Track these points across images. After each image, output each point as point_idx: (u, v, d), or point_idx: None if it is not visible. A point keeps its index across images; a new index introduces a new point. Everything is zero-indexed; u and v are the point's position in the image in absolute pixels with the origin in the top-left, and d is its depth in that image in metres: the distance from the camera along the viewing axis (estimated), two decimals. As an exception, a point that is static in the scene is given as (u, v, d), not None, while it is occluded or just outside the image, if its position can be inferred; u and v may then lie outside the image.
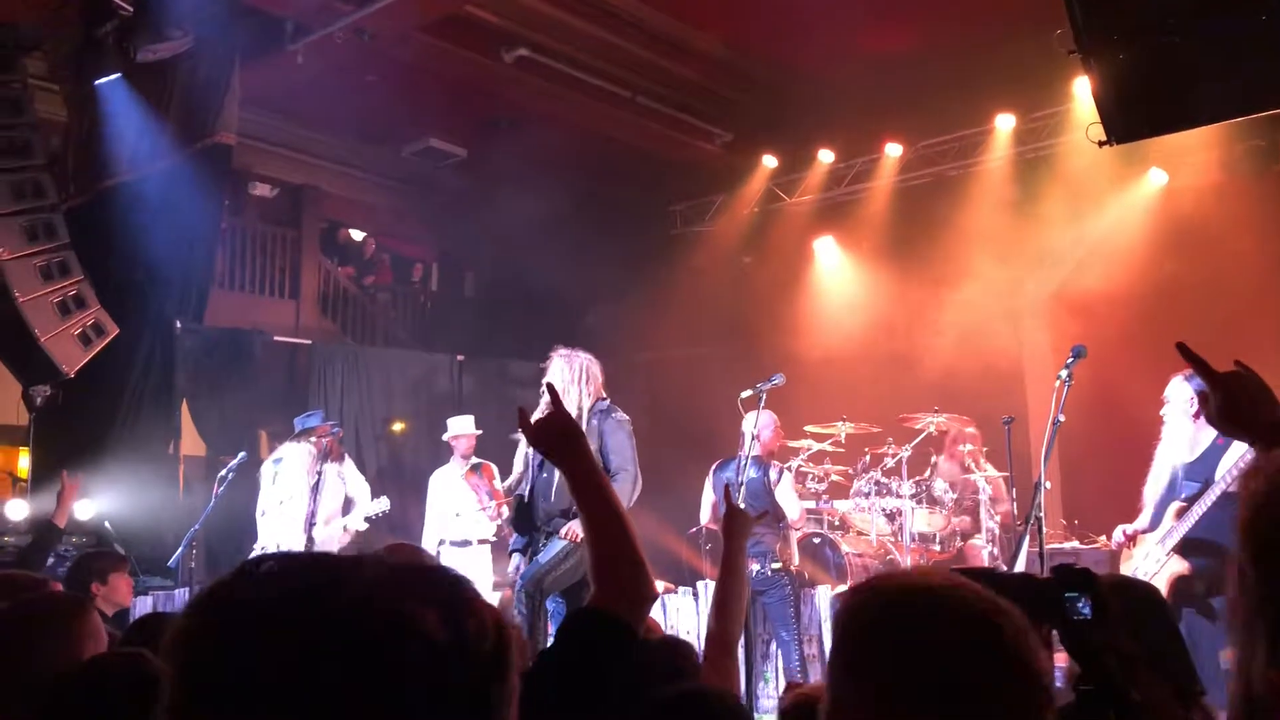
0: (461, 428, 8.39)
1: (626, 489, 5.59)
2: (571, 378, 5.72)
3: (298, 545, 7.19)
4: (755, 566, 6.46)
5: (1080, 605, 1.56)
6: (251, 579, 0.80)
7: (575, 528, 5.38)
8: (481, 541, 8.06)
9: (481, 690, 0.79)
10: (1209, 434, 4.91)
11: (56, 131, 8.82)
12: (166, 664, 0.79)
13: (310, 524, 7.25)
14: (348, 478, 7.87)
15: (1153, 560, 4.89)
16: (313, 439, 7.50)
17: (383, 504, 7.65)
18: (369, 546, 7.55)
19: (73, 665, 2.22)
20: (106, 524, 8.21)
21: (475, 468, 8.29)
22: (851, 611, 1.29)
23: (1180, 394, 5.07)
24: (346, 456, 8.05)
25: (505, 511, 8.12)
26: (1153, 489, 5.14)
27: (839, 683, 1.27)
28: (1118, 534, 5.28)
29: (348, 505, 7.78)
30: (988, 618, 1.24)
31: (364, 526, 7.69)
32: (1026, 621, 1.26)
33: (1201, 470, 4.93)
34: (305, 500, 7.34)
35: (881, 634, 1.25)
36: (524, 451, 5.92)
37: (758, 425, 6.29)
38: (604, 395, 5.85)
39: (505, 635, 0.83)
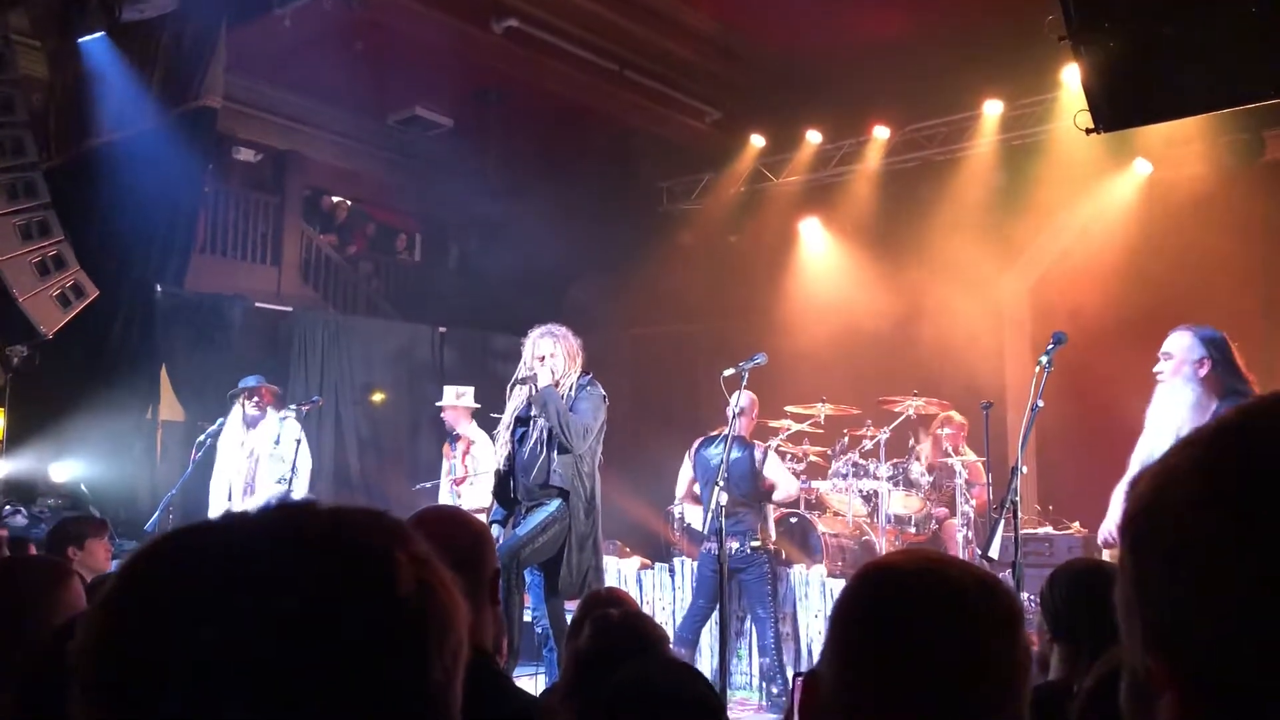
0: (445, 398, 8.40)
1: (578, 427, 5.56)
2: (561, 357, 5.73)
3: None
4: (734, 545, 6.49)
5: None
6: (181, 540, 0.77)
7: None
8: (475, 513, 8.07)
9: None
10: (1212, 399, 4.54)
11: (38, 89, 8.71)
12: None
13: (246, 492, 7.26)
14: (283, 441, 7.51)
15: None
16: (239, 401, 7.42)
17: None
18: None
19: (53, 630, 2.21)
20: (82, 486, 8.19)
21: (452, 440, 8.30)
22: (847, 600, 1.32)
23: (1187, 349, 4.63)
24: (285, 420, 7.57)
25: (465, 486, 8.16)
26: (1145, 463, 4.84)
27: (836, 669, 1.29)
28: (1105, 530, 4.87)
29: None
30: (973, 598, 1.26)
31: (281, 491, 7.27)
32: (1019, 602, 1.29)
33: None
34: (236, 467, 7.34)
35: (873, 618, 1.28)
36: (505, 425, 5.92)
37: (740, 404, 6.30)
38: (585, 370, 5.87)
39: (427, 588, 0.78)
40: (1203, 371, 4.54)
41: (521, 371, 5.77)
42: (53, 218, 7.81)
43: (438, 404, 8.50)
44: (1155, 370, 4.67)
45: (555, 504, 5.60)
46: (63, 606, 2.45)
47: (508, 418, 5.87)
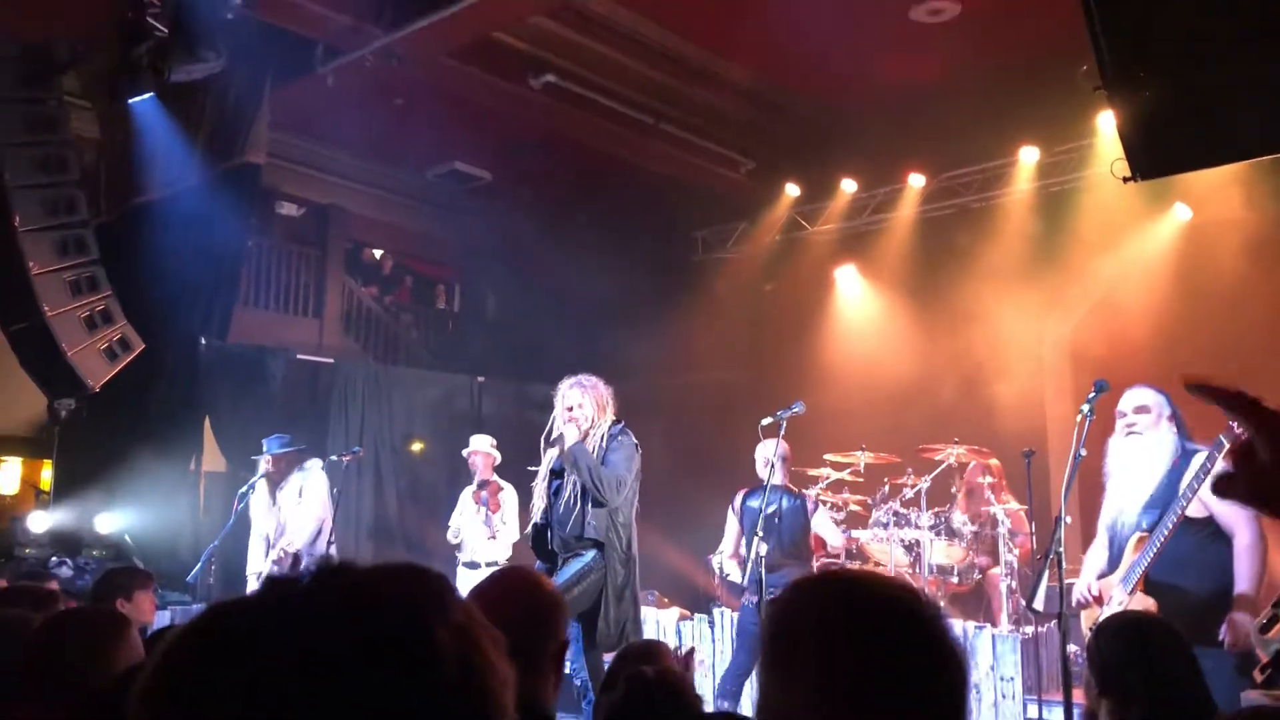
0: (475, 444, 8.44)
1: (610, 480, 5.55)
2: (590, 408, 5.76)
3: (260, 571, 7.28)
4: None
5: None
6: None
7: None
8: (490, 564, 8.05)
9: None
10: (1171, 452, 4.57)
11: (90, 149, 8.95)
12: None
13: (279, 546, 7.32)
14: (305, 494, 7.55)
15: (1115, 604, 4.41)
16: (264, 461, 7.50)
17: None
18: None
19: (115, 678, 2.24)
20: (126, 537, 8.28)
21: (482, 485, 8.31)
22: (776, 611, 1.36)
23: (1160, 403, 4.67)
24: (308, 476, 7.62)
25: (500, 532, 8.16)
26: (1116, 519, 4.73)
27: (770, 680, 1.32)
28: (1081, 589, 4.75)
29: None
30: (902, 602, 1.31)
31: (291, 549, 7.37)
32: (939, 606, 1.35)
33: (1164, 496, 4.51)
34: (265, 525, 7.43)
35: (805, 626, 1.31)
36: (541, 478, 5.94)
37: (776, 453, 6.29)
38: (618, 418, 5.88)
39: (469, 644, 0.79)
40: (1174, 427, 4.60)
41: (554, 425, 5.79)
42: (101, 273, 7.99)
43: (464, 451, 8.53)
44: (1129, 424, 4.66)
45: (591, 555, 5.59)
46: (123, 655, 2.49)
47: (543, 470, 5.88)
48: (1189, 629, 4.00)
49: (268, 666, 0.72)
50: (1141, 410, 4.66)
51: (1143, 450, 4.62)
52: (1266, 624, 3.43)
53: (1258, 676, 3.25)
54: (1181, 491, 4.31)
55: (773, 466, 6.24)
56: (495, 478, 8.40)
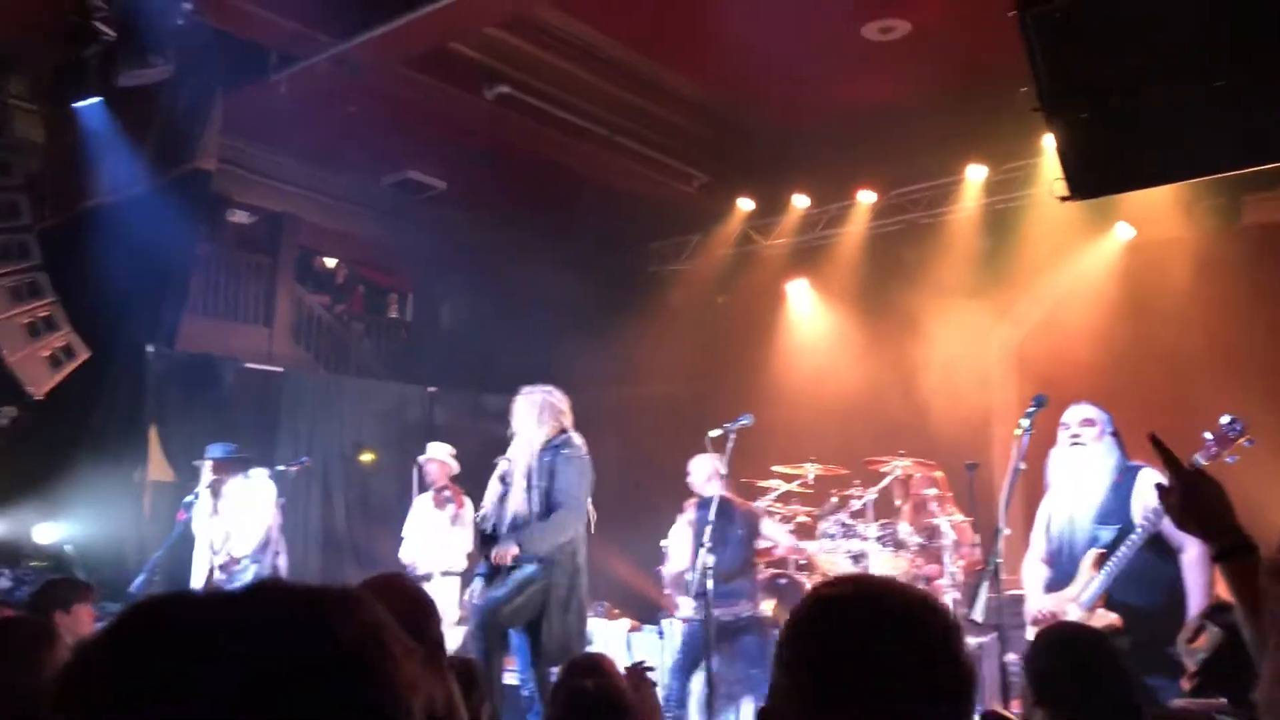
0: (433, 452, 8.39)
1: (564, 522, 5.62)
2: (528, 419, 5.79)
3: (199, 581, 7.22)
4: (738, 608, 6.57)
5: None
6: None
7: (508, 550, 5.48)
8: (446, 574, 8.01)
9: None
10: (1114, 466, 4.73)
11: (35, 152, 8.81)
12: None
13: (222, 556, 7.26)
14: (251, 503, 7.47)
15: (1073, 619, 4.43)
16: (207, 469, 7.42)
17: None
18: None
19: (42, 691, 2.21)
20: (68, 548, 8.14)
21: (441, 490, 8.26)
22: (796, 615, 1.40)
23: (1105, 420, 4.81)
24: (253, 485, 7.54)
25: (457, 537, 8.13)
26: (1064, 530, 4.81)
27: (780, 678, 1.36)
28: (1033, 609, 4.81)
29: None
30: (915, 614, 1.33)
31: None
32: (955, 618, 1.36)
33: (1117, 511, 4.64)
34: (209, 535, 7.37)
35: (818, 632, 1.36)
36: (494, 484, 5.94)
37: (719, 470, 6.37)
38: (566, 429, 5.88)
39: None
40: (1115, 442, 4.75)
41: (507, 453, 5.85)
42: (44, 279, 7.86)
43: (421, 459, 8.47)
44: (1073, 436, 4.78)
45: (533, 567, 5.61)
46: (51, 668, 2.46)
47: (492, 480, 5.90)
48: (1147, 643, 4.12)
49: (186, 662, 0.73)
50: (1086, 424, 4.77)
51: (1087, 461, 4.73)
52: (1193, 635, 3.51)
53: (1185, 685, 3.34)
54: (1144, 513, 4.43)
55: (718, 479, 6.29)
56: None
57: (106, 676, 0.74)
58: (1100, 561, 4.54)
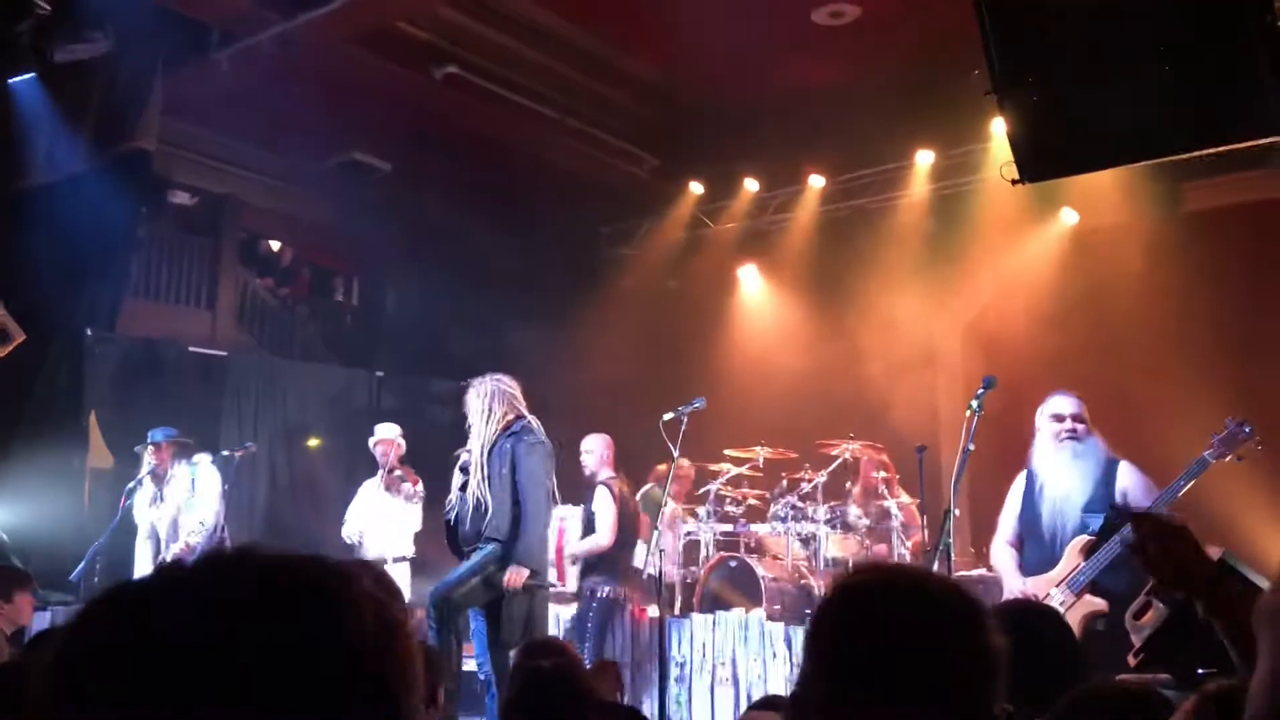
0: (382, 433, 8.29)
1: (539, 514, 5.62)
2: (480, 408, 5.76)
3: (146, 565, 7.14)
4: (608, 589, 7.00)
5: None
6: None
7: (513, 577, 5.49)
8: (398, 560, 7.94)
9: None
10: (1102, 459, 4.90)
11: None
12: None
13: (167, 543, 7.17)
14: (197, 488, 7.36)
15: (1056, 602, 4.58)
16: (145, 453, 7.34)
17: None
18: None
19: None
20: (4, 536, 7.95)
21: (394, 474, 8.16)
22: (826, 605, 1.43)
23: (1084, 409, 4.96)
24: (196, 466, 7.44)
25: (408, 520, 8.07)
26: (1053, 519, 4.93)
27: (808, 665, 1.41)
28: (1015, 590, 4.90)
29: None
30: (943, 602, 1.37)
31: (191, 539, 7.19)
32: (987, 608, 1.41)
33: (1103, 499, 4.80)
34: (151, 522, 7.26)
35: (848, 622, 1.39)
36: (457, 475, 5.92)
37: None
38: (522, 414, 5.85)
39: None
40: (1098, 434, 4.91)
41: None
42: (-21, 261, 7.66)
43: (371, 441, 8.36)
44: (1069, 430, 4.89)
45: (489, 548, 5.59)
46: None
47: (456, 470, 5.89)
48: (1120, 624, 4.21)
49: (188, 626, 0.70)
50: (1079, 418, 4.92)
51: (1081, 453, 4.88)
52: (1139, 610, 3.58)
53: (1131, 660, 3.40)
54: (1138, 502, 4.61)
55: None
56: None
57: (95, 646, 0.71)
58: (1088, 548, 4.67)
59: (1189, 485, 4.53)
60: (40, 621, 6.66)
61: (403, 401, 10.96)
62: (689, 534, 8.35)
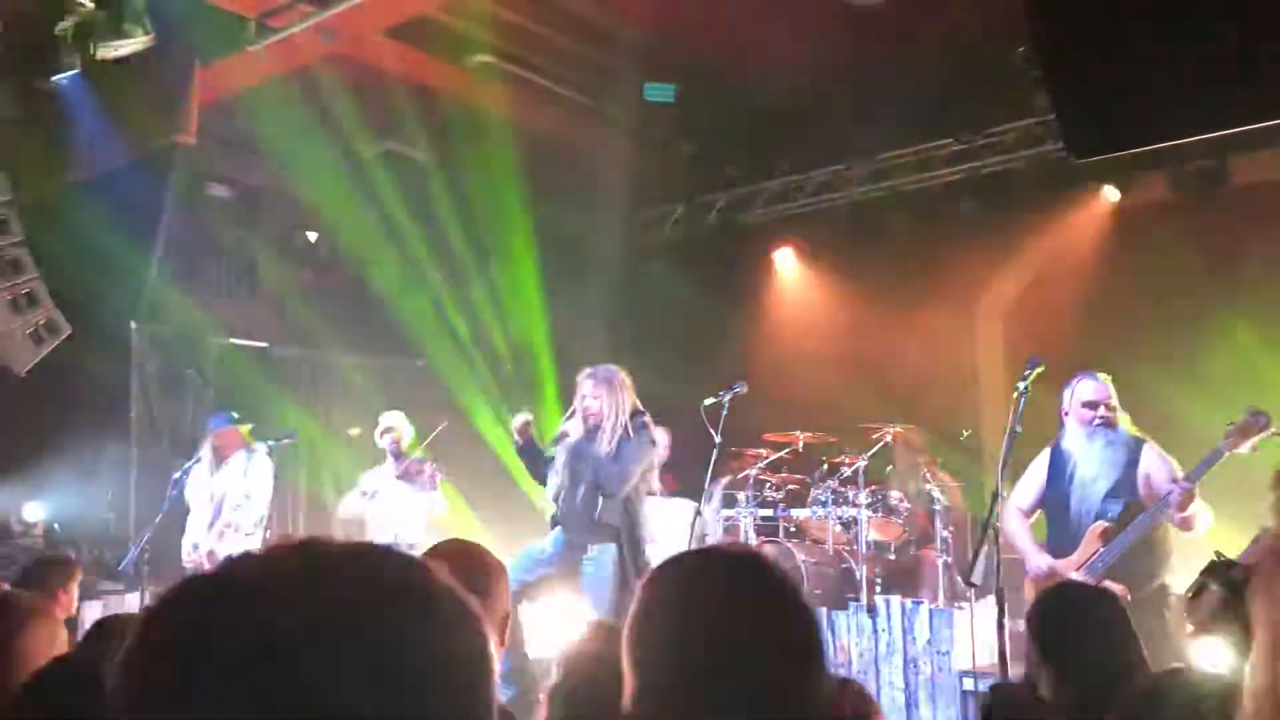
0: (386, 421, 8.31)
1: (616, 480, 5.73)
2: (610, 396, 5.90)
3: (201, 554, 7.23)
4: None
5: None
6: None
7: None
8: (409, 547, 7.94)
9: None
10: (1125, 445, 4.93)
11: (12, 128, 8.67)
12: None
13: (210, 530, 7.24)
14: (250, 475, 7.48)
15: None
16: (207, 440, 7.43)
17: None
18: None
19: (36, 671, 2.18)
20: (55, 526, 8.08)
21: (413, 461, 8.16)
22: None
23: (1110, 394, 5.00)
24: (253, 455, 7.56)
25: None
26: (1079, 503, 4.96)
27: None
28: (1040, 565, 4.99)
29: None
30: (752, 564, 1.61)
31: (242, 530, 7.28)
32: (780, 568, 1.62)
33: (1126, 485, 4.83)
34: (203, 508, 7.32)
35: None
36: (560, 452, 6.02)
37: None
38: (638, 408, 6.01)
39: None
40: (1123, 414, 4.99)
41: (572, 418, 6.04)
42: (25, 255, 7.76)
43: (380, 429, 8.35)
44: (1104, 416, 4.95)
45: (611, 548, 5.69)
46: (43, 645, 2.42)
47: (561, 456, 5.98)
48: (1139, 602, 4.24)
49: (275, 609, 0.71)
50: (1110, 405, 4.97)
51: (1113, 444, 4.93)
52: (1195, 592, 3.53)
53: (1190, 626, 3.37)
54: (1153, 497, 4.68)
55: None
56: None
57: (187, 631, 0.71)
58: (1106, 535, 4.70)
59: (1204, 473, 4.55)
60: (92, 611, 6.78)
61: (444, 390, 11.01)
62: (728, 519, 8.35)
